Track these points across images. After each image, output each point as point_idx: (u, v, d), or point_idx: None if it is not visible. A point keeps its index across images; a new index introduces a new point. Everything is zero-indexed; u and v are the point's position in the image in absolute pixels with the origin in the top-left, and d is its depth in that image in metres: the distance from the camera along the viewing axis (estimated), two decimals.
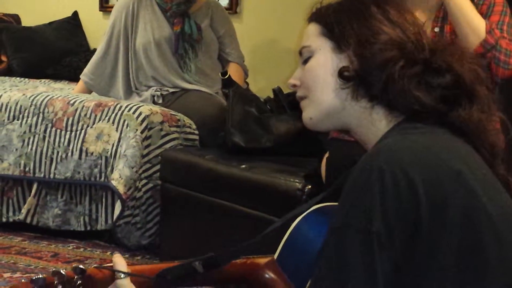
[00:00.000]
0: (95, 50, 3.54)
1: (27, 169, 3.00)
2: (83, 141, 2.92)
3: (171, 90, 3.19)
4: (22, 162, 3.01)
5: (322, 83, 1.17)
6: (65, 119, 2.98)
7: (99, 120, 2.92)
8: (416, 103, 1.09)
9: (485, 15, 2.02)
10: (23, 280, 1.03)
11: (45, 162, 2.98)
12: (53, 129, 2.99)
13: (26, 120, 3.05)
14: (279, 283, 1.20)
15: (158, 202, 2.86)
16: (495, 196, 1.04)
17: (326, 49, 1.18)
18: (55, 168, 2.95)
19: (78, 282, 1.02)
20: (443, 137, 1.09)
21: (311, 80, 1.19)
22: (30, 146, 3.01)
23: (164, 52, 3.20)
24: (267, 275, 1.21)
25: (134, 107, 2.90)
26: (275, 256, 1.23)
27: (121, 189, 2.75)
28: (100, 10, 4.58)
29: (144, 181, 2.86)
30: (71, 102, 3.02)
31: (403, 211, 0.97)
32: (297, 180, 2.21)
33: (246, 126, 2.55)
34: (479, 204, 1.00)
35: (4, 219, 3.09)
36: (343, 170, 1.18)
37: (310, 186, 2.18)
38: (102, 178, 2.87)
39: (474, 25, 1.96)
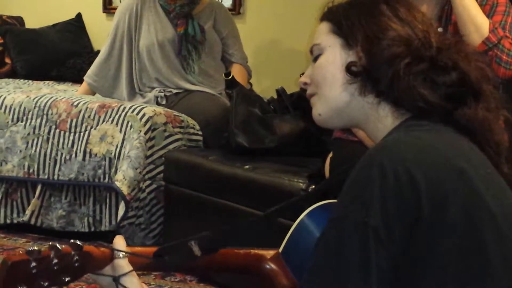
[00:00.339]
0: (98, 51, 3.54)
1: (31, 170, 3.01)
2: (87, 143, 2.92)
3: (175, 91, 3.20)
4: (26, 163, 3.02)
5: (331, 79, 1.17)
6: (69, 120, 2.98)
7: (103, 121, 2.92)
8: (421, 100, 1.09)
9: (487, 15, 2.02)
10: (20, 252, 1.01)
11: (49, 164, 2.98)
12: (57, 130, 2.99)
13: (30, 122, 3.05)
14: (282, 275, 1.20)
15: (162, 203, 2.86)
16: (499, 195, 1.03)
17: (335, 46, 1.18)
18: (59, 170, 2.96)
19: (75, 258, 1.00)
20: (447, 135, 1.08)
21: (320, 77, 1.19)
22: (34, 148, 3.01)
23: (168, 54, 3.20)
24: (268, 267, 1.21)
25: (138, 108, 2.91)
26: (280, 249, 1.23)
27: (125, 190, 2.75)
28: (103, 12, 4.59)
29: (148, 182, 2.86)
30: (75, 103, 3.02)
31: (404, 207, 0.96)
32: (301, 181, 2.20)
33: (249, 126, 2.55)
34: (481, 203, 1.00)
35: (8, 221, 3.09)
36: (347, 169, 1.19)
37: (313, 186, 2.17)
38: (106, 179, 2.87)
39: (478, 23, 1.96)
